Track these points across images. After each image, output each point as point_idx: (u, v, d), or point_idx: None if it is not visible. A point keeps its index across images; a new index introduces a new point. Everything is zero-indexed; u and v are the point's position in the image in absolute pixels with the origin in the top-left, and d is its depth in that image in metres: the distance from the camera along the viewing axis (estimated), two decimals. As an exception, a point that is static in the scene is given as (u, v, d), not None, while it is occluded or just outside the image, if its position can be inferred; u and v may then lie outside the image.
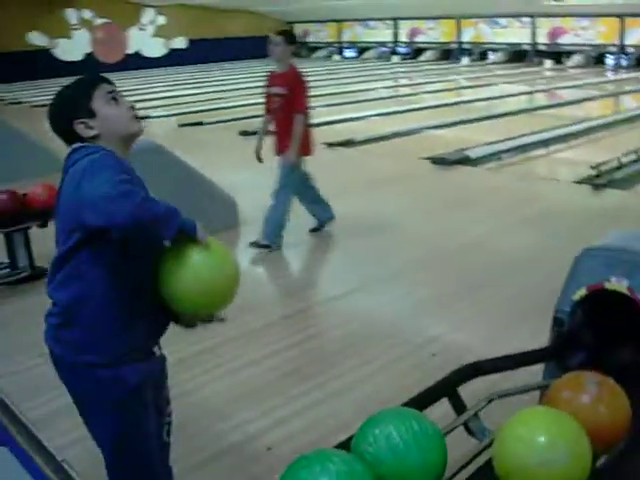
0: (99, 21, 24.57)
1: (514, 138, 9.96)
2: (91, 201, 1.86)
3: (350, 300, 4.74)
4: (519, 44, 24.51)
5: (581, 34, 23.05)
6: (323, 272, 5.19)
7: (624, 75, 20.52)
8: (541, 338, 2.78)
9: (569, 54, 23.60)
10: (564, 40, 23.49)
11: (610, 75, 20.95)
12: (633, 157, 8.33)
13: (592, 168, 7.82)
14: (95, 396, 2.10)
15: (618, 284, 2.53)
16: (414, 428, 1.83)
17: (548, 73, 21.68)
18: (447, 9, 24.58)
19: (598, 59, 23.09)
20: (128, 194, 1.85)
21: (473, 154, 8.94)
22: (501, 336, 4.02)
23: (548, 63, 23.38)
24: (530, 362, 2.62)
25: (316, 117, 12.70)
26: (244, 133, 11.14)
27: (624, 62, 22.38)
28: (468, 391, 2.50)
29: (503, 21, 24.68)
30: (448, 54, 26.39)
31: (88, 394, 2.12)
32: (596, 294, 2.62)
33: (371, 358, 3.90)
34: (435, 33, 26.96)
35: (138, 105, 2.34)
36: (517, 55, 24.63)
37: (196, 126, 12.67)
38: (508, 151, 9.38)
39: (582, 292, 2.62)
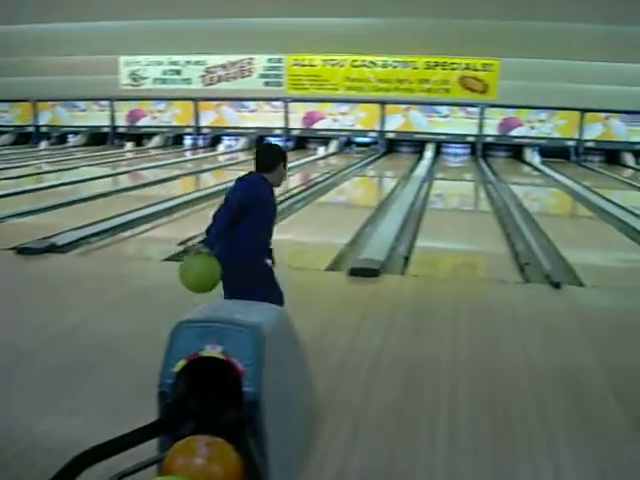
0: None
1: (102, 221, 9.95)
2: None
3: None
4: (99, 127, 24.95)
5: (158, 116, 24.30)
6: None
7: (201, 154, 21.99)
8: (148, 415, 2.86)
9: (149, 135, 24.66)
10: (143, 122, 24.52)
11: (189, 154, 22.29)
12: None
13: (179, 244, 8.22)
14: (257, 273, 4.62)
15: (213, 351, 2.75)
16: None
17: (130, 154, 22.31)
18: (21, 92, 24.14)
19: (176, 140, 24.53)
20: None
21: (60, 240, 8.66)
22: (113, 421, 3.89)
23: (129, 145, 24.14)
24: (145, 438, 2.68)
25: None
26: None
27: (201, 142, 24.10)
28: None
29: (82, 104, 24.94)
30: (26, 138, 25.78)
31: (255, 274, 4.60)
32: (195, 363, 2.82)
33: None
34: (10, 116, 26.28)
35: None
36: (98, 137, 25.03)
37: None
38: (97, 234, 9.28)
39: (182, 363, 2.80)
